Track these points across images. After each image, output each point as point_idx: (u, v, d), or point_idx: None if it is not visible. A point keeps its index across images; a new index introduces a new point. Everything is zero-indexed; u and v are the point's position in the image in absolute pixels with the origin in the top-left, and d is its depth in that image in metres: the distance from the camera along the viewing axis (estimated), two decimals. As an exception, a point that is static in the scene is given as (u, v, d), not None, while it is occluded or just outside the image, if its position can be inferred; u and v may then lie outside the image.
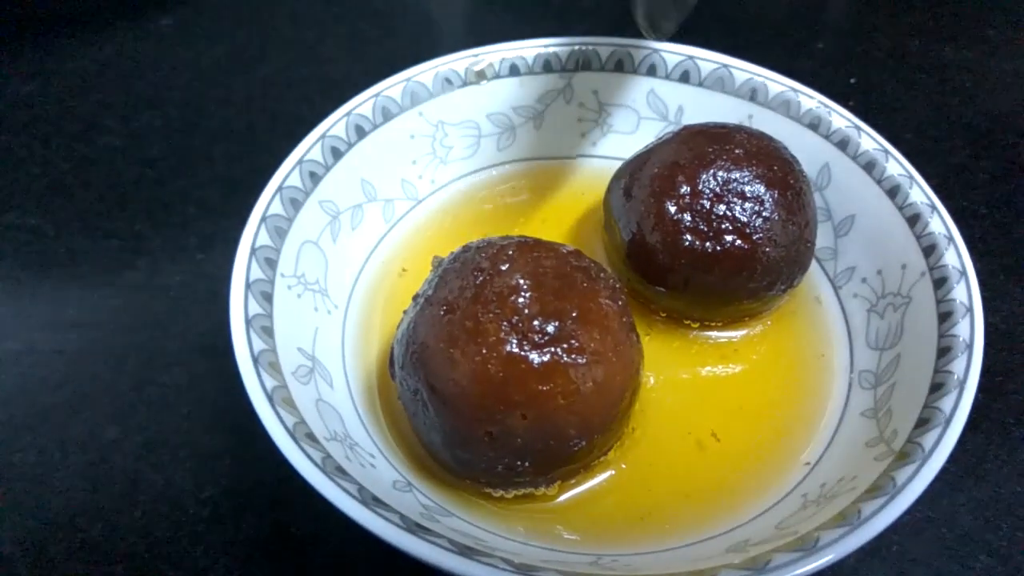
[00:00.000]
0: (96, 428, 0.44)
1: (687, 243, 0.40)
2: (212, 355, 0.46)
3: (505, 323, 0.33)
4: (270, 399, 0.33)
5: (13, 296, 0.50)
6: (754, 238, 0.40)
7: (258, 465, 0.42)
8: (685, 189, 0.40)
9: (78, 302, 0.50)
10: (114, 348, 0.47)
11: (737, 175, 0.40)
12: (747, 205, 0.40)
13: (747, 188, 0.40)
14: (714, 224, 0.40)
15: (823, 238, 0.45)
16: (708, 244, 0.40)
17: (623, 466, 0.38)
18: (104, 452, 0.43)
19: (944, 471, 0.41)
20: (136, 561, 0.39)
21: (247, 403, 0.33)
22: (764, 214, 0.40)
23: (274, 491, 0.41)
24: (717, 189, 0.40)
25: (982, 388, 0.44)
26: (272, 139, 0.43)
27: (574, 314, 0.33)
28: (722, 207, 0.40)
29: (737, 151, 0.41)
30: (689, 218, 0.40)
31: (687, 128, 0.43)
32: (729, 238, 0.40)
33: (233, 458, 0.42)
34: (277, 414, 0.32)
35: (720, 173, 0.40)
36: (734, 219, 0.40)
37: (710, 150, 0.41)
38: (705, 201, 0.40)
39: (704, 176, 0.40)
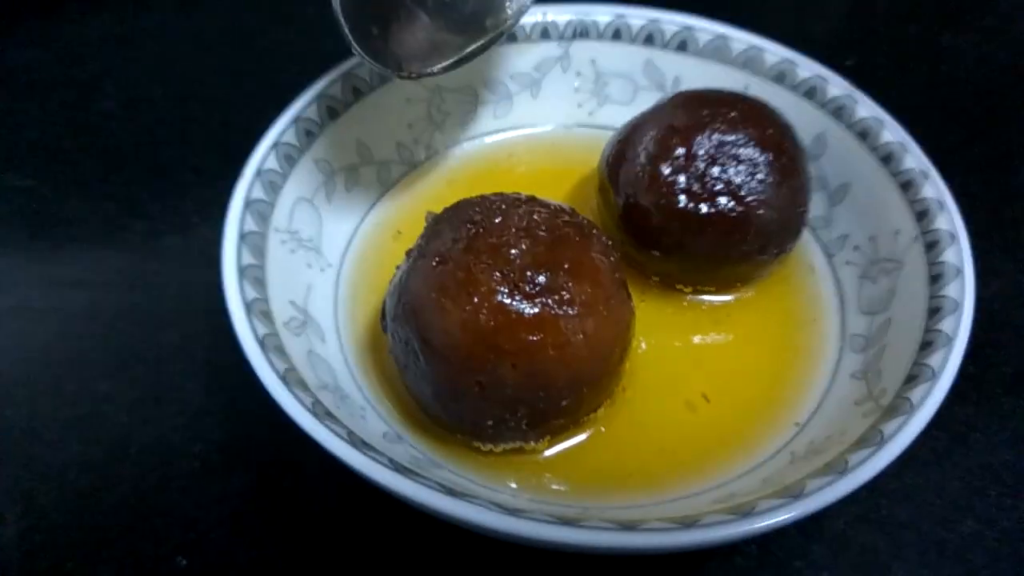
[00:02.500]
0: (88, 383, 0.44)
1: (680, 204, 0.40)
2: (206, 316, 0.46)
3: (497, 273, 0.33)
4: (261, 345, 0.33)
5: (8, 255, 0.50)
6: (747, 200, 0.40)
7: (249, 422, 0.42)
8: (679, 151, 0.40)
9: (73, 262, 0.50)
10: (108, 307, 0.47)
11: (731, 138, 0.40)
12: (741, 168, 0.40)
13: (741, 151, 0.40)
14: (708, 186, 0.40)
15: (817, 207, 0.45)
16: (701, 206, 0.40)
17: (613, 424, 0.38)
18: (96, 407, 0.43)
19: (934, 440, 0.42)
20: (126, 512, 0.39)
21: (239, 361, 0.33)
22: (758, 177, 0.40)
23: (265, 447, 0.41)
24: (711, 152, 0.40)
25: (972, 361, 0.44)
26: (270, 109, 0.43)
27: (566, 266, 0.34)
28: (716, 169, 0.40)
29: (732, 115, 0.41)
30: (683, 180, 0.40)
31: (682, 93, 0.43)
32: (722, 200, 0.40)
33: (225, 415, 0.42)
34: (268, 359, 0.32)
35: (714, 136, 0.40)
36: (728, 181, 0.40)
37: (705, 114, 0.41)
38: (699, 163, 0.40)
39: (698, 139, 0.40)
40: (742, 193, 0.40)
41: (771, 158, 0.40)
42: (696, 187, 0.40)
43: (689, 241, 0.41)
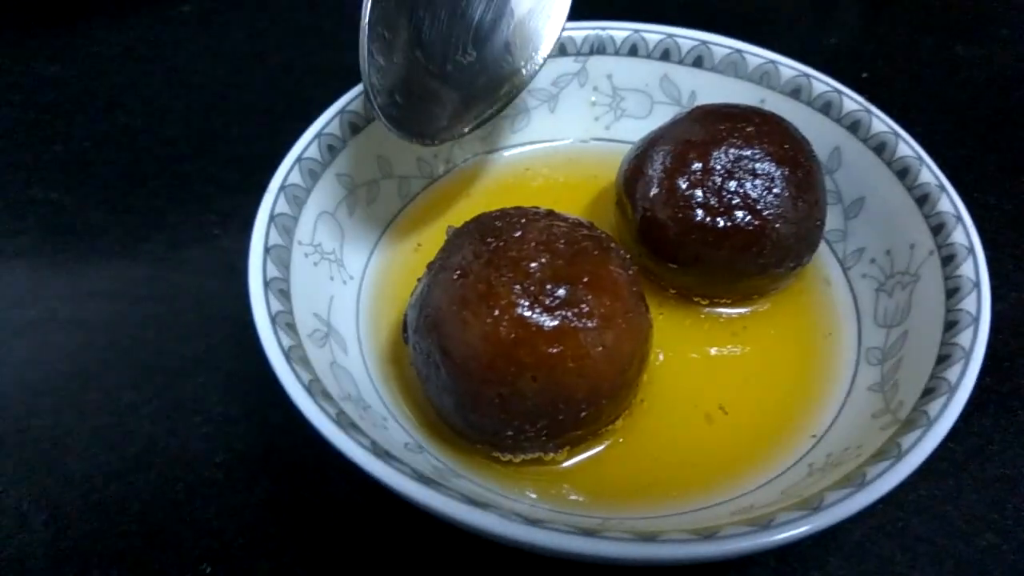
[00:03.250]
0: (113, 393, 0.44)
1: (698, 218, 0.40)
2: (228, 326, 0.47)
3: (517, 287, 0.33)
4: (287, 356, 0.33)
5: (34, 267, 0.51)
6: (764, 214, 0.40)
7: (272, 432, 0.42)
8: (697, 166, 0.41)
9: (97, 273, 0.51)
10: (132, 318, 0.48)
11: (748, 153, 0.41)
12: (757, 182, 0.40)
13: (758, 165, 0.40)
14: (725, 200, 0.40)
15: (833, 220, 0.45)
16: (719, 219, 0.40)
17: (631, 435, 0.39)
18: (120, 416, 0.43)
19: (951, 452, 0.42)
20: (150, 520, 0.39)
21: (262, 372, 0.34)
22: (774, 191, 0.40)
23: (287, 457, 0.42)
24: (728, 166, 0.41)
25: (989, 372, 0.45)
26: (290, 122, 0.44)
27: (585, 280, 0.34)
28: (733, 183, 0.40)
29: (748, 129, 0.41)
30: (700, 194, 0.40)
31: (699, 108, 0.44)
32: (739, 214, 0.40)
33: (247, 425, 0.43)
34: (293, 370, 0.33)
35: (731, 151, 0.41)
36: (744, 195, 0.40)
37: (722, 128, 0.41)
38: (716, 177, 0.40)
39: (715, 153, 0.41)
40: (759, 207, 0.40)
41: (787, 172, 0.41)
42: (713, 201, 0.40)
43: (706, 254, 0.41)
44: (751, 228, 0.40)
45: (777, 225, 0.40)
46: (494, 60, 0.45)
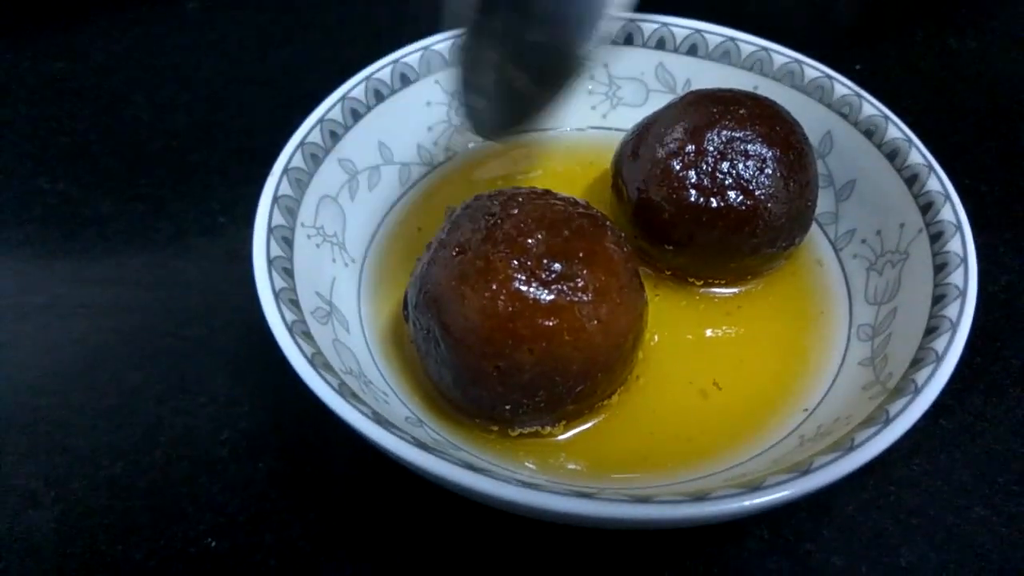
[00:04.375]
0: (118, 375, 0.45)
1: (691, 199, 0.41)
2: (231, 311, 0.48)
3: (514, 262, 0.34)
4: (290, 331, 0.34)
5: (40, 254, 0.52)
6: (756, 195, 0.41)
7: (274, 410, 0.43)
8: (690, 148, 0.42)
9: (103, 260, 0.52)
10: (137, 303, 0.49)
11: (740, 135, 0.42)
12: (750, 163, 0.41)
13: (750, 147, 0.41)
14: (718, 181, 0.41)
15: (825, 203, 0.46)
16: (712, 200, 0.41)
17: (627, 410, 0.40)
18: (126, 398, 0.44)
19: (941, 428, 0.43)
20: (156, 496, 0.40)
21: (265, 353, 0.35)
22: (766, 172, 0.41)
23: (290, 434, 0.42)
24: (721, 148, 0.41)
25: (980, 351, 0.46)
26: (293, 115, 0.45)
27: (580, 255, 0.35)
28: (725, 165, 0.41)
29: (740, 112, 0.42)
30: (693, 175, 0.41)
31: (693, 92, 0.45)
32: (732, 194, 0.41)
33: (251, 405, 0.44)
34: (296, 344, 0.34)
35: (724, 133, 0.42)
36: (737, 176, 0.41)
37: (714, 111, 0.42)
38: (709, 159, 0.41)
39: (708, 135, 0.42)
40: (751, 188, 0.41)
41: (779, 154, 0.41)
42: (706, 182, 0.41)
43: (700, 235, 0.42)
44: (744, 208, 0.41)
45: (769, 205, 0.41)
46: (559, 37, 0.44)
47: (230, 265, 0.50)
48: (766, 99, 0.44)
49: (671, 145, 0.42)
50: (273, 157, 0.43)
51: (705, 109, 0.43)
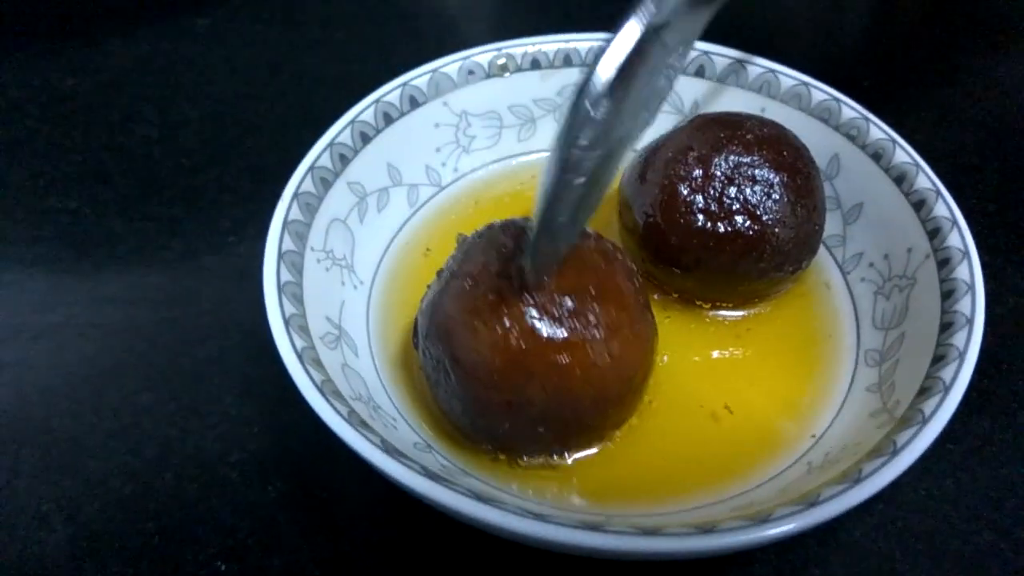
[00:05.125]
0: (130, 396, 0.45)
1: (699, 224, 0.41)
2: (242, 330, 0.48)
3: (527, 296, 0.34)
4: (300, 357, 0.35)
5: (53, 273, 0.52)
6: (764, 220, 0.41)
7: (285, 433, 0.43)
8: (697, 172, 0.42)
9: (114, 280, 0.52)
10: (149, 322, 0.49)
11: (748, 159, 0.42)
12: (757, 188, 0.41)
13: (757, 172, 0.42)
14: (725, 206, 0.41)
15: (832, 226, 0.46)
16: (720, 225, 0.41)
17: (637, 435, 0.40)
18: (138, 418, 0.44)
19: (949, 452, 0.43)
20: (167, 519, 0.40)
21: (275, 374, 0.35)
22: (774, 197, 0.41)
23: (299, 457, 0.43)
24: (728, 172, 0.42)
25: (987, 375, 0.46)
26: (302, 133, 0.45)
27: (592, 291, 0.35)
28: (733, 190, 0.41)
29: (748, 137, 0.42)
30: (701, 200, 0.41)
31: (700, 116, 0.45)
32: (740, 219, 0.41)
33: (261, 426, 0.44)
34: (306, 371, 0.34)
35: (731, 157, 0.42)
36: (744, 201, 0.41)
37: (722, 135, 0.42)
38: (717, 184, 0.41)
39: (716, 160, 0.42)
40: (759, 212, 0.41)
41: (786, 178, 0.42)
42: (714, 207, 0.41)
43: (707, 259, 0.42)
44: (751, 233, 0.41)
45: (776, 230, 0.41)
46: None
47: (241, 284, 0.51)
48: (773, 123, 0.44)
49: (679, 170, 0.42)
50: (283, 175, 0.43)
51: (712, 134, 0.43)
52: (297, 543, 0.39)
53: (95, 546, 0.39)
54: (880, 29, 0.75)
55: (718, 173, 0.42)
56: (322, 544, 0.39)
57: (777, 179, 0.41)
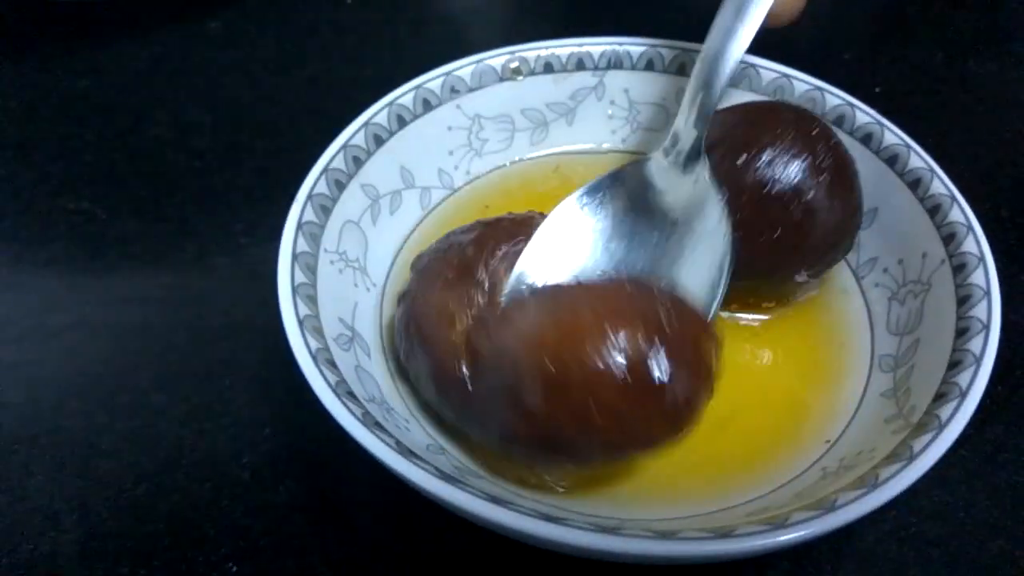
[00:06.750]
0: (142, 396, 0.45)
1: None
2: (254, 332, 0.48)
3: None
4: (314, 359, 0.35)
5: (65, 273, 0.53)
6: (801, 222, 0.40)
7: (297, 435, 0.44)
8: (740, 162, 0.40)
9: (127, 280, 0.52)
10: (161, 323, 0.49)
11: (784, 162, 0.40)
12: (789, 189, 0.40)
13: (793, 175, 0.40)
14: (761, 209, 0.40)
15: (846, 231, 0.46)
16: (758, 226, 0.40)
17: (648, 440, 0.40)
18: (150, 419, 0.44)
19: (963, 459, 0.43)
20: (178, 519, 0.40)
21: (287, 375, 0.35)
22: (814, 196, 0.40)
23: (311, 458, 0.43)
24: (765, 172, 0.40)
25: (1002, 381, 0.46)
26: (315, 135, 0.45)
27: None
28: (766, 191, 0.40)
29: (788, 133, 0.40)
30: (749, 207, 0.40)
31: (741, 106, 0.45)
32: (767, 220, 0.40)
33: (273, 428, 0.44)
34: (321, 372, 0.34)
35: (764, 158, 0.40)
36: (782, 203, 0.40)
37: (752, 133, 0.41)
38: (759, 182, 0.40)
39: (761, 159, 0.40)
40: (795, 215, 0.40)
41: (831, 177, 0.40)
42: (749, 213, 0.40)
43: (753, 262, 0.41)
44: (788, 236, 0.40)
45: (816, 231, 0.40)
46: None
47: (253, 285, 0.51)
48: (808, 114, 0.43)
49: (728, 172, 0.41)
50: (296, 177, 0.43)
51: (747, 130, 0.42)
52: (310, 544, 0.39)
53: (106, 546, 0.39)
54: (891, 35, 0.75)
55: (764, 176, 0.40)
56: (335, 546, 0.39)
57: (822, 178, 0.40)
